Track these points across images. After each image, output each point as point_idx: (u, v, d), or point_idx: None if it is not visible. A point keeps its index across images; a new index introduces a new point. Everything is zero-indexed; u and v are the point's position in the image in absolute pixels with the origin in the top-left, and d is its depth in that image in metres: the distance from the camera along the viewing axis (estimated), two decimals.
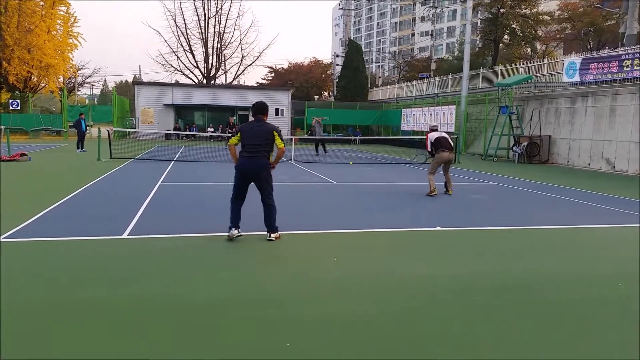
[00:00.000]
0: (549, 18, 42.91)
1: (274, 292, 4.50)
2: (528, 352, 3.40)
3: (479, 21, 47.69)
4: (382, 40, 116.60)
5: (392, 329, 3.73)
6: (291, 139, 22.29)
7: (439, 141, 10.85)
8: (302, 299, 4.35)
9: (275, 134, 6.41)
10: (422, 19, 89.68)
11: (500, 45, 43.83)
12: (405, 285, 4.75)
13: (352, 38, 60.79)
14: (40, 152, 21.42)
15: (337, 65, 56.74)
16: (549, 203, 10.26)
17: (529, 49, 46.73)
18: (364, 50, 59.51)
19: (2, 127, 19.83)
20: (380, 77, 71.32)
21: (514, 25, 41.53)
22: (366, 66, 54.22)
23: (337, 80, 52.33)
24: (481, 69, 32.88)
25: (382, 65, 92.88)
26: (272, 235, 6.33)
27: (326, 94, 61.45)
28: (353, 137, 36.04)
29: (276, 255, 5.78)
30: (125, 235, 6.47)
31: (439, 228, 7.33)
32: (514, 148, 22.08)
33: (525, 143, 21.59)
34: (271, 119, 36.05)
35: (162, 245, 6.10)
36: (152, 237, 6.43)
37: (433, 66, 51.88)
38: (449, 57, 62.85)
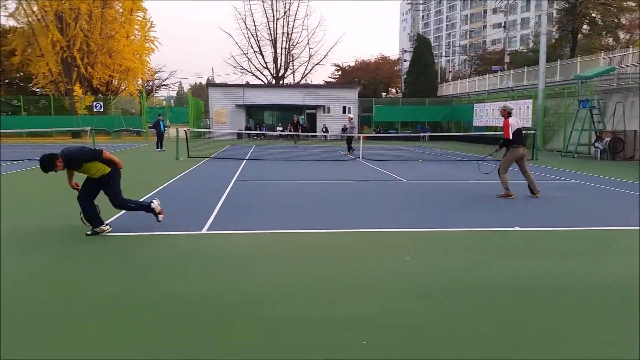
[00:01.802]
0: (634, 4, 40.02)
1: (341, 289, 4.52)
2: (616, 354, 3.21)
3: (555, 11, 45.32)
4: (451, 33, 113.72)
5: (473, 329, 3.64)
6: (359, 137, 22.22)
7: (517, 133, 9.49)
8: (380, 298, 4.34)
9: None
10: (494, 10, 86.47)
11: (579, 35, 41.43)
12: (484, 285, 4.61)
13: (420, 33, 59.74)
14: (122, 151, 22.71)
15: (405, 61, 55.94)
16: (635, 203, 9.59)
17: (610, 39, 43.84)
18: (432, 44, 58.16)
19: (88, 128, 21.22)
20: (450, 72, 69.60)
21: (593, 15, 39.06)
22: (435, 61, 53.08)
23: (405, 76, 51.63)
24: (559, 61, 31.26)
25: (452, 60, 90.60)
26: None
27: (394, 90, 60.80)
28: (422, 134, 35.41)
29: (347, 253, 5.79)
30: (204, 231, 6.73)
31: (517, 228, 7.05)
32: (596, 144, 20.84)
33: (608, 139, 20.31)
34: (338, 116, 36.28)
35: (241, 240, 6.29)
36: (230, 233, 6.65)
37: (507, 59, 50.00)
38: (523, 50, 60.19)
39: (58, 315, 3.88)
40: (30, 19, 35.68)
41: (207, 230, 6.76)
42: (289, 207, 8.65)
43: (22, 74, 41.42)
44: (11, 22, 37.44)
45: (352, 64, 60.39)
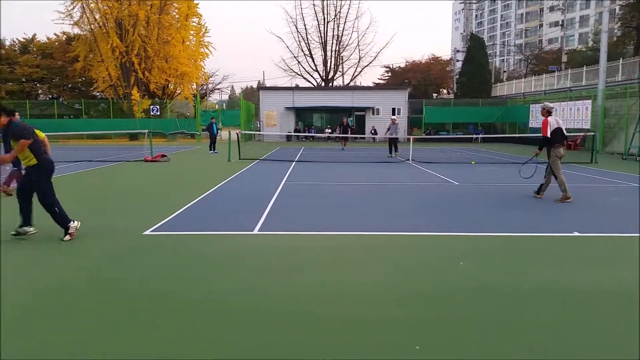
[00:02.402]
0: None
1: (391, 292, 4.49)
2: None
3: (617, 7, 43.24)
4: (506, 32, 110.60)
5: (527, 334, 3.53)
6: (408, 139, 21.97)
7: (556, 132, 9.38)
8: (433, 302, 4.28)
9: None
10: (551, 8, 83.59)
11: None
12: (539, 294, 4.46)
13: (474, 32, 58.41)
14: (177, 153, 23.42)
15: (458, 61, 54.90)
16: None
17: None
18: (486, 44, 56.77)
19: (146, 130, 22.00)
20: (505, 72, 67.70)
21: None
22: (489, 60, 51.75)
23: (457, 76, 50.67)
24: (620, 60, 29.80)
25: (506, 59, 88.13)
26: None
27: (445, 91, 59.72)
28: (474, 136, 34.56)
29: (398, 256, 5.74)
30: (255, 231, 6.85)
31: (577, 234, 6.77)
32: None
33: None
34: (388, 118, 35.25)
35: (291, 241, 6.35)
36: (280, 234, 6.73)
37: (564, 58, 48.19)
38: (582, 48, 57.80)
39: (117, 313, 4.06)
40: (92, 26, 37.42)
41: (259, 231, 6.87)
42: (339, 209, 8.66)
43: (83, 78, 43.48)
44: (75, 30, 39.41)
45: (402, 65, 59.79)
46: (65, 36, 43.80)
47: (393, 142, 21.49)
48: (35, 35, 45.33)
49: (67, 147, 28.78)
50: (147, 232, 6.73)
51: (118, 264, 5.37)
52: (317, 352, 3.30)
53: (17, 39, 45.24)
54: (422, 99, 43.60)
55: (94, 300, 4.27)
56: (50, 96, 45.83)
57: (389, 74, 60.05)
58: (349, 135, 27.71)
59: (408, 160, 18.85)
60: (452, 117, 39.95)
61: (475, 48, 46.97)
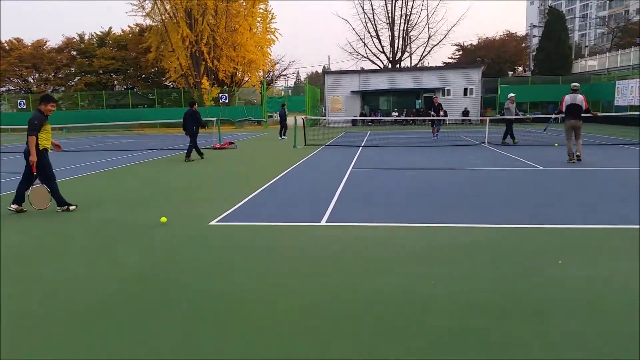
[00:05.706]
0: None
1: (481, 299, 3.89)
2: None
3: None
4: (587, 4, 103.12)
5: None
6: (480, 120, 20.66)
7: (568, 107, 11.80)
8: (529, 311, 3.66)
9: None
10: None
11: None
12: None
13: (552, 5, 54.75)
14: (245, 140, 23.50)
15: (534, 36, 51.73)
16: None
17: None
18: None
19: (214, 118, 22.20)
20: (586, 47, 63.09)
21: None
22: (568, 35, 48.31)
23: (534, 53, 47.75)
24: None
25: (587, 33, 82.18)
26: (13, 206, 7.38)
27: (520, 69, 56.57)
28: (553, 116, 32.29)
29: (478, 253, 5.10)
30: (323, 222, 6.42)
31: None
32: None
33: None
34: (459, 99, 33.73)
35: (361, 233, 5.86)
36: (349, 225, 6.25)
37: None
38: None
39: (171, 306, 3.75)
40: (163, 17, 38.34)
41: (327, 222, 6.43)
42: (411, 197, 8.05)
43: (156, 69, 44.89)
44: (147, 21, 40.61)
45: (475, 43, 57.19)
46: (138, 28, 45.30)
47: (509, 126, 18.14)
48: (111, 28, 47.37)
49: (141, 135, 29.78)
50: (213, 223, 6.49)
51: (181, 256, 5.10)
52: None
53: (95, 32, 47.34)
54: (496, 77, 41.39)
55: (155, 293, 3.99)
56: (126, 87, 47.76)
57: (460, 53, 57.72)
58: (442, 118, 22.27)
59: (483, 143, 17.74)
60: (530, 96, 37.55)
61: (554, 22, 43.95)
